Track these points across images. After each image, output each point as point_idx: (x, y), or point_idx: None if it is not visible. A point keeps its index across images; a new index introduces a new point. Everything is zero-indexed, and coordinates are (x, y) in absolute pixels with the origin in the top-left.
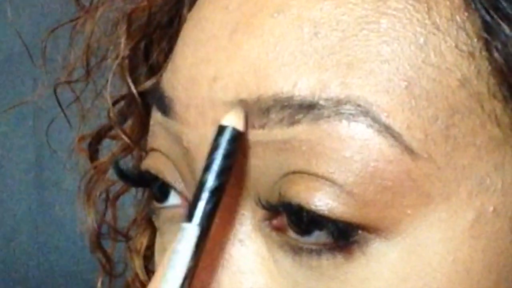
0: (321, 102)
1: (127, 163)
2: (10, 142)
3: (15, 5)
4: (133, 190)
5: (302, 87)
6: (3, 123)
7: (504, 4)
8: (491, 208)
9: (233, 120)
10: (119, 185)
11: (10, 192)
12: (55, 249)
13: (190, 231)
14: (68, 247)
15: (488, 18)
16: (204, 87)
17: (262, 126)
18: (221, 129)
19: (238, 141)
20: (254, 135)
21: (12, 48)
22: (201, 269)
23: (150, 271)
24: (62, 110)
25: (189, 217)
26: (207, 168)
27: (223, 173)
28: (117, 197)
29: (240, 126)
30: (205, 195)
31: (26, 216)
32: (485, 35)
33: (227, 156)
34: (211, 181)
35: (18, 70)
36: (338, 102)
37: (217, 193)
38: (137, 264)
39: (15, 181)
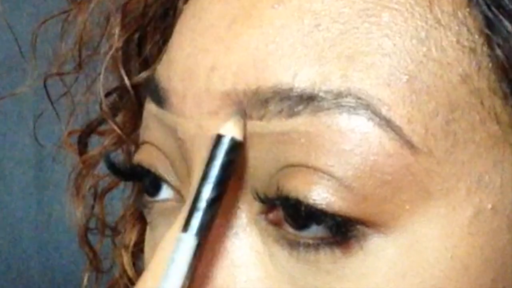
0: (321, 94)
1: (117, 158)
2: (10, 142)
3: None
4: (121, 185)
5: (302, 79)
6: (3, 123)
7: (506, 0)
8: (490, 206)
9: (232, 130)
10: (108, 180)
11: (10, 192)
12: (55, 249)
13: (187, 242)
14: (68, 247)
15: (490, 14)
16: (201, 77)
17: (261, 118)
18: (219, 139)
19: (237, 151)
20: (252, 127)
21: (12, 48)
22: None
23: (138, 267)
24: (52, 104)
25: (186, 227)
26: (204, 178)
27: (221, 184)
28: (106, 192)
29: (239, 136)
30: (202, 205)
31: (26, 216)
32: (487, 31)
33: (225, 167)
34: (208, 191)
35: (18, 70)
36: (339, 95)
37: (214, 203)
38: (126, 260)
39: (15, 181)
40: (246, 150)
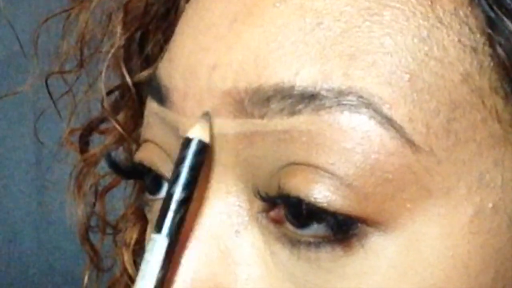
0: (323, 92)
1: (118, 155)
2: (10, 142)
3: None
4: (122, 184)
5: (303, 77)
6: (3, 123)
7: (508, 0)
8: (490, 205)
9: (199, 132)
10: (109, 178)
11: (10, 192)
12: (55, 249)
13: (160, 242)
14: (68, 247)
15: (491, 13)
16: (203, 75)
17: (262, 116)
18: (187, 141)
19: (204, 153)
20: (254, 125)
21: (13, 47)
22: (195, 259)
23: (139, 266)
24: (54, 102)
25: (159, 228)
26: (174, 180)
27: (189, 185)
28: (107, 190)
29: (206, 138)
30: (173, 207)
31: (26, 216)
32: (488, 30)
33: (193, 168)
34: (178, 193)
35: (19, 69)
36: (340, 93)
37: (184, 204)
38: (126, 258)
39: (15, 181)
40: (247, 148)
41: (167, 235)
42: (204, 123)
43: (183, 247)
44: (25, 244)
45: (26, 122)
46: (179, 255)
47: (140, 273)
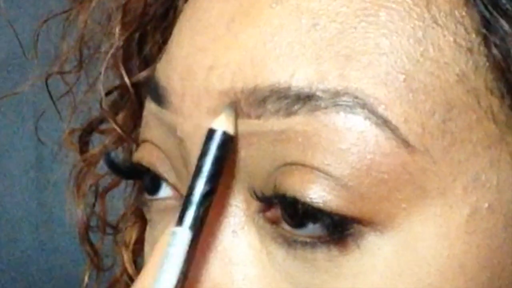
0: (319, 93)
1: (117, 156)
2: (10, 142)
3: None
4: (122, 184)
5: (299, 78)
6: (3, 123)
7: (503, 0)
8: (486, 205)
9: (224, 124)
10: (109, 178)
11: (10, 192)
12: (55, 249)
13: (182, 235)
14: (68, 247)
15: (487, 14)
16: (200, 76)
17: (258, 117)
18: (211, 133)
19: (229, 145)
20: (250, 125)
21: (13, 47)
22: (193, 259)
23: (139, 265)
24: (54, 102)
25: (180, 221)
26: (197, 172)
27: (213, 178)
28: (107, 190)
29: (231, 130)
30: (195, 200)
31: (26, 216)
32: (484, 31)
33: (217, 161)
34: (201, 186)
35: (19, 69)
36: (336, 94)
37: (207, 197)
38: (126, 258)
39: (15, 181)
40: (243, 149)
41: (190, 228)
42: (230, 114)
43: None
44: (25, 244)
45: (26, 122)
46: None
47: (161, 266)
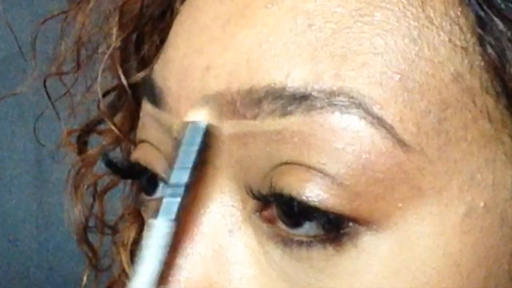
0: (314, 93)
1: (116, 156)
2: (10, 142)
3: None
4: (121, 184)
5: (295, 78)
6: (3, 123)
7: (498, 0)
8: (482, 204)
9: (198, 115)
10: (107, 179)
11: (10, 192)
12: (55, 249)
13: (158, 227)
14: (68, 247)
15: (481, 13)
16: (196, 77)
17: (254, 117)
18: (185, 125)
19: (205, 136)
20: (246, 126)
21: (12, 48)
22: (189, 259)
23: None
24: (52, 103)
25: (156, 213)
26: (173, 164)
27: (188, 169)
28: (105, 190)
29: (204, 121)
30: (169, 191)
31: (26, 216)
32: (479, 30)
33: (192, 152)
34: (176, 176)
35: (18, 70)
36: (331, 94)
37: (181, 188)
38: (124, 258)
39: (15, 181)
40: (239, 149)
41: (164, 220)
42: (203, 105)
43: (177, 247)
44: (25, 244)
45: (26, 122)
46: (173, 255)
47: (140, 258)
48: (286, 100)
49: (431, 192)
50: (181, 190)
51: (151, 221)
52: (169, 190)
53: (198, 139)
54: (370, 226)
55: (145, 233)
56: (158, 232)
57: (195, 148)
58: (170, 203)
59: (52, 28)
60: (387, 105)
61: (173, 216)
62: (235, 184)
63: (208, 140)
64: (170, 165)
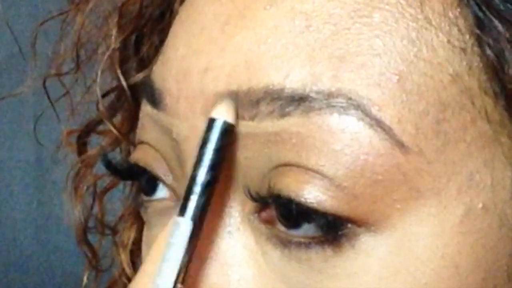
0: (312, 94)
1: (115, 157)
2: (10, 142)
3: (15, 5)
4: (120, 185)
5: (293, 80)
6: (3, 123)
7: (497, 0)
8: (480, 205)
9: (224, 113)
10: (107, 179)
11: (10, 192)
12: (55, 249)
13: (184, 225)
14: (68, 247)
15: (480, 14)
16: (195, 78)
17: (252, 118)
18: (211, 122)
19: (229, 134)
20: (244, 127)
21: (11, 48)
22: (189, 260)
23: (137, 266)
24: (52, 103)
25: (182, 211)
26: (198, 162)
27: (214, 167)
28: (105, 191)
29: (230, 119)
30: (197, 189)
31: (26, 216)
32: (477, 31)
33: (218, 150)
34: (202, 175)
35: (18, 71)
36: (329, 95)
37: (209, 187)
38: (124, 258)
39: (15, 181)
40: (238, 150)
41: (191, 218)
42: (229, 103)
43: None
44: (25, 244)
45: (26, 122)
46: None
47: (163, 256)
48: (285, 101)
49: (430, 193)
50: (209, 189)
51: (178, 219)
52: (197, 188)
53: (224, 137)
54: (369, 227)
55: (168, 231)
56: (184, 231)
57: (220, 145)
58: (198, 202)
59: (52, 28)
60: (385, 107)
61: (198, 215)
62: (233, 185)
63: (228, 137)
64: (195, 163)
